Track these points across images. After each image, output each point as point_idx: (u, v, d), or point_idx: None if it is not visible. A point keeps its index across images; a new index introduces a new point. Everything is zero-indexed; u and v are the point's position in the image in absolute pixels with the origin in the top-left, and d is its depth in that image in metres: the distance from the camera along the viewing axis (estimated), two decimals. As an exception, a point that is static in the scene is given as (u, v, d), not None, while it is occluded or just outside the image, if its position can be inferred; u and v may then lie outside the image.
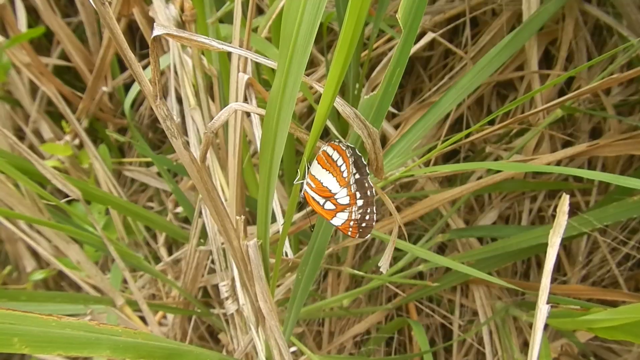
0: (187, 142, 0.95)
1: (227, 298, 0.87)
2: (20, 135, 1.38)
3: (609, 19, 0.96)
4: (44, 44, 1.41)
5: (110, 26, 0.40)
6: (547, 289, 0.61)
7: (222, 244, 0.93)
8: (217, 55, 0.85)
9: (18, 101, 1.32)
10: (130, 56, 0.42)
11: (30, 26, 1.28)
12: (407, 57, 0.53)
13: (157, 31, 0.41)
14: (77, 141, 1.28)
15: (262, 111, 0.51)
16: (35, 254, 1.33)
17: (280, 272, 0.99)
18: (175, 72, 0.99)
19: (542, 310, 0.60)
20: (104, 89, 1.25)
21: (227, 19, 0.92)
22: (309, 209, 0.52)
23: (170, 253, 1.30)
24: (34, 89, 1.32)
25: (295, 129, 0.52)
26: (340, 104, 0.50)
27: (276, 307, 0.67)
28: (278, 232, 0.93)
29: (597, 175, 0.67)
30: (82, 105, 1.26)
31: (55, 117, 1.38)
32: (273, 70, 0.55)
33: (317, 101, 1.00)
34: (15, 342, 0.35)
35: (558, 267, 1.16)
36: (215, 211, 0.56)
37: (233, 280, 0.87)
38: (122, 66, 1.34)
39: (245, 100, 0.74)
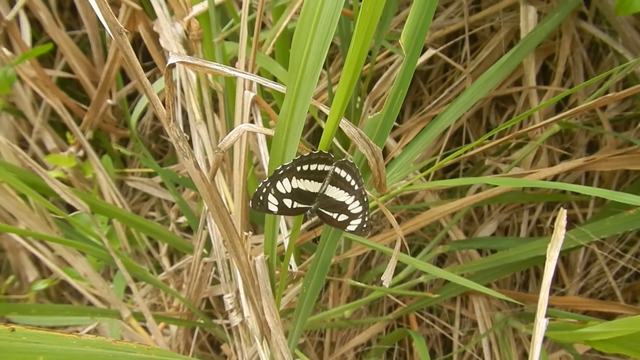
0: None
1: (231, 310, 0.88)
2: (24, 145, 1.39)
3: (604, 36, 0.98)
4: (46, 55, 1.43)
5: (127, 54, 0.42)
6: (546, 303, 0.62)
7: (227, 254, 0.95)
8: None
9: (22, 112, 1.34)
10: (145, 82, 0.44)
11: (34, 39, 1.30)
12: (409, 80, 0.55)
13: (173, 59, 0.43)
14: (80, 152, 1.30)
15: (271, 132, 0.53)
16: (37, 264, 1.34)
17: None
18: (181, 86, 1.00)
19: (541, 324, 0.61)
20: (109, 101, 1.26)
21: (232, 36, 0.94)
22: (313, 220, 0.57)
23: (172, 262, 1.31)
24: (37, 100, 1.34)
25: (303, 149, 0.54)
26: (345, 125, 0.52)
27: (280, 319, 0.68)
28: (282, 243, 0.94)
29: (593, 191, 0.69)
30: (87, 118, 1.27)
31: (58, 127, 1.39)
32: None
33: (320, 115, 1.02)
34: (40, 360, 0.37)
35: (556, 279, 1.18)
36: (223, 227, 0.58)
37: (237, 292, 0.88)
38: (125, 78, 1.36)
39: (251, 116, 0.76)
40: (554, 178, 1.07)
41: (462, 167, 1.23)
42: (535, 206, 1.19)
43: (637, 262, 1.10)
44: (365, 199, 0.53)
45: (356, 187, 0.53)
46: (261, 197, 0.53)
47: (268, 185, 0.52)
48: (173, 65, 0.44)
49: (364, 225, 0.54)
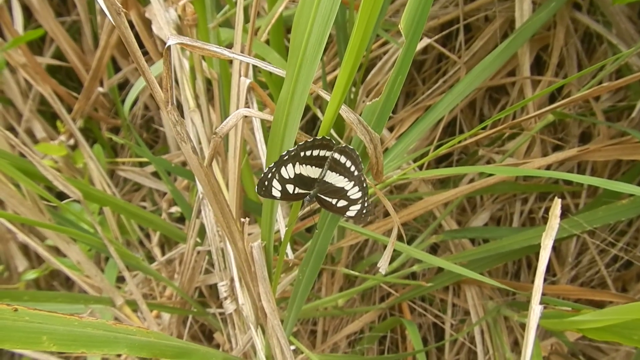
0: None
1: (225, 298, 0.88)
2: (13, 134, 1.37)
3: (598, 27, 0.99)
4: (35, 42, 1.40)
5: (125, 35, 0.41)
6: (540, 290, 0.63)
7: (221, 242, 0.94)
8: (218, 60, 0.86)
9: (10, 100, 1.32)
10: (143, 64, 0.44)
11: (23, 26, 1.27)
12: (408, 65, 0.54)
13: (172, 41, 0.42)
14: (71, 141, 1.28)
15: (270, 117, 0.52)
16: (27, 254, 1.33)
17: (277, 273, 1.00)
18: (175, 76, 0.99)
19: (535, 310, 0.62)
20: (100, 89, 1.25)
21: (225, 23, 0.93)
22: (309, 207, 0.57)
23: (163, 253, 1.30)
24: (27, 88, 1.32)
25: (301, 135, 0.54)
26: (345, 111, 0.52)
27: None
28: (276, 232, 0.94)
29: (587, 180, 0.69)
30: (78, 106, 1.26)
31: (48, 116, 1.37)
32: (271, 73, 0.57)
33: (315, 102, 1.01)
34: (44, 340, 0.37)
35: (548, 268, 1.18)
36: (221, 213, 0.57)
37: (232, 280, 0.88)
38: (116, 66, 1.34)
39: (246, 104, 0.75)
40: (547, 168, 1.07)
41: (456, 158, 1.24)
42: (527, 197, 1.20)
43: (629, 251, 1.11)
44: (364, 185, 0.53)
45: (355, 173, 0.54)
46: (266, 183, 0.53)
47: (273, 170, 0.52)
48: (169, 47, 0.44)
49: (364, 211, 0.54)
